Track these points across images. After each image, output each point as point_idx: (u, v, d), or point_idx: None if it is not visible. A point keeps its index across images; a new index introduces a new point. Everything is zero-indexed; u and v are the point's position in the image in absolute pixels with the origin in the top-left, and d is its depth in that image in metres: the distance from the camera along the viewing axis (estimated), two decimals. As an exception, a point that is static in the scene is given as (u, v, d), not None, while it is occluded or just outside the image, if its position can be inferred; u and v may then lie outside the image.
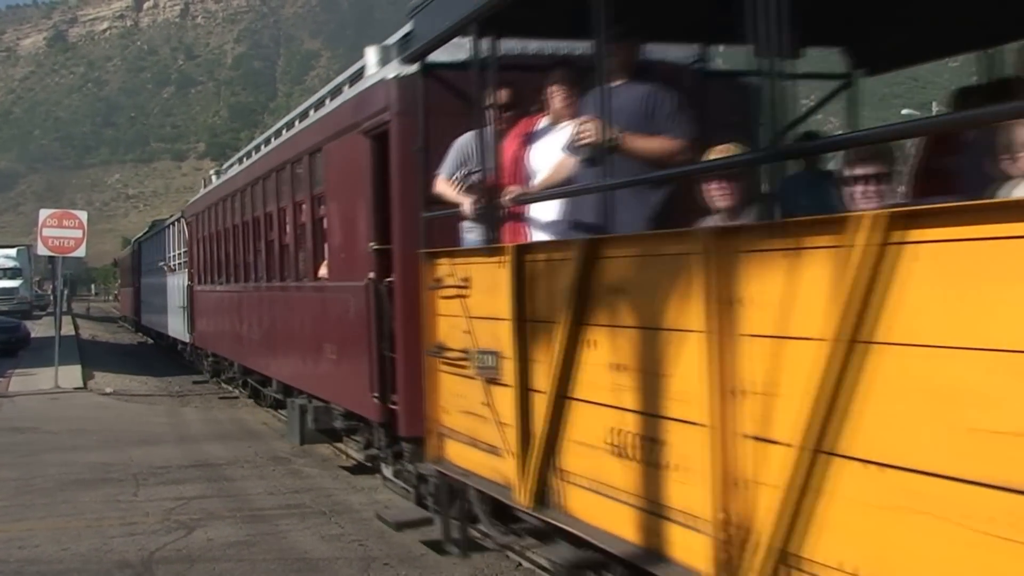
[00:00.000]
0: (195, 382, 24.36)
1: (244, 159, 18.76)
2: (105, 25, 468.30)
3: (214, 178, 22.41)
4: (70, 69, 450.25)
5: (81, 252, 24.64)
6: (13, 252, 61.83)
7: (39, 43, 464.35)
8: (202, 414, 19.40)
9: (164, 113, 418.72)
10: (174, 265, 28.03)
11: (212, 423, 17.93)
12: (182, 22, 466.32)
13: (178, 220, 27.86)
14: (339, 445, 13.59)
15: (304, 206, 12.86)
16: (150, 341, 39.93)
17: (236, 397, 20.98)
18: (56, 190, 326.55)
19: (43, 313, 58.81)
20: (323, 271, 11.91)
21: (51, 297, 31.56)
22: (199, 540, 9.26)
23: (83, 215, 24.99)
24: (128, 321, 52.35)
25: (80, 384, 23.65)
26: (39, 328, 40.41)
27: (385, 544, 9.09)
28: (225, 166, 22.10)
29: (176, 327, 28.11)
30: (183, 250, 25.83)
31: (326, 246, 11.79)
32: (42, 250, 24.79)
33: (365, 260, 9.88)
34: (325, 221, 11.80)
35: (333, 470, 13.00)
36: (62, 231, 23.89)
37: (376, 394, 9.75)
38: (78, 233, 24.04)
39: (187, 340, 25.80)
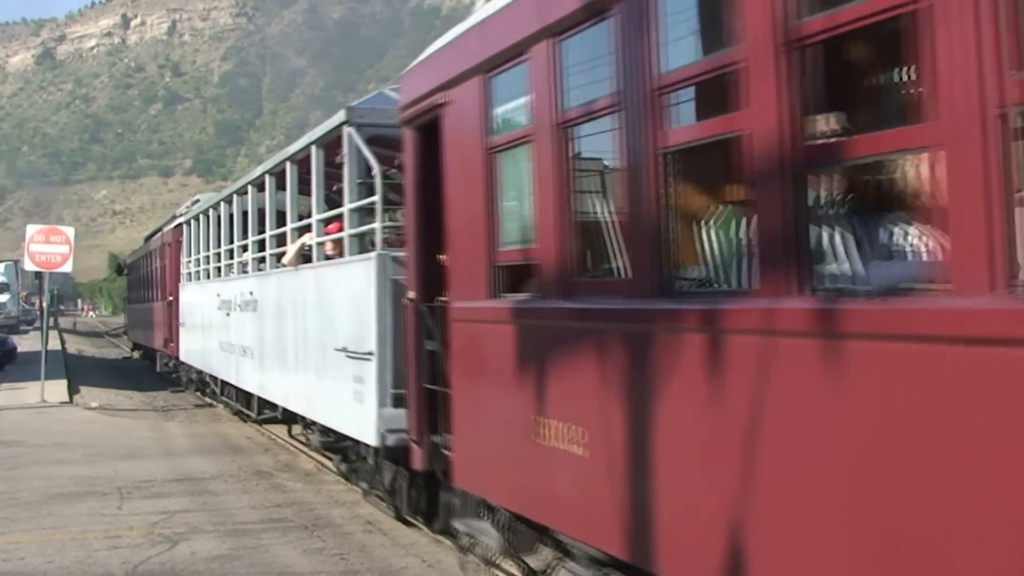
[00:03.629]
0: None
1: None
2: (93, 43, 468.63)
3: None
4: (58, 86, 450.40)
5: (68, 267, 24.74)
6: (1, 267, 62.10)
7: (27, 60, 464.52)
8: (186, 428, 19.41)
9: (151, 129, 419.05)
10: (331, 251, 11.68)
11: (196, 437, 17.95)
12: (169, 40, 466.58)
13: (345, 125, 10.62)
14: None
15: None
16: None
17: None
18: (44, 206, 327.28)
19: (30, 328, 58.88)
20: None
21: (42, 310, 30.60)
22: (183, 554, 9.27)
23: (70, 231, 25.17)
24: (142, 352, 38.15)
25: (66, 398, 23.62)
26: (26, 343, 40.29)
27: (366, 558, 9.17)
28: None
29: (335, 407, 11.23)
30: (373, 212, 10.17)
31: None
32: (29, 265, 24.90)
33: None
34: None
35: (315, 484, 13.07)
36: (49, 247, 24.03)
37: None
38: (65, 249, 24.19)
39: (375, 443, 9.76)
